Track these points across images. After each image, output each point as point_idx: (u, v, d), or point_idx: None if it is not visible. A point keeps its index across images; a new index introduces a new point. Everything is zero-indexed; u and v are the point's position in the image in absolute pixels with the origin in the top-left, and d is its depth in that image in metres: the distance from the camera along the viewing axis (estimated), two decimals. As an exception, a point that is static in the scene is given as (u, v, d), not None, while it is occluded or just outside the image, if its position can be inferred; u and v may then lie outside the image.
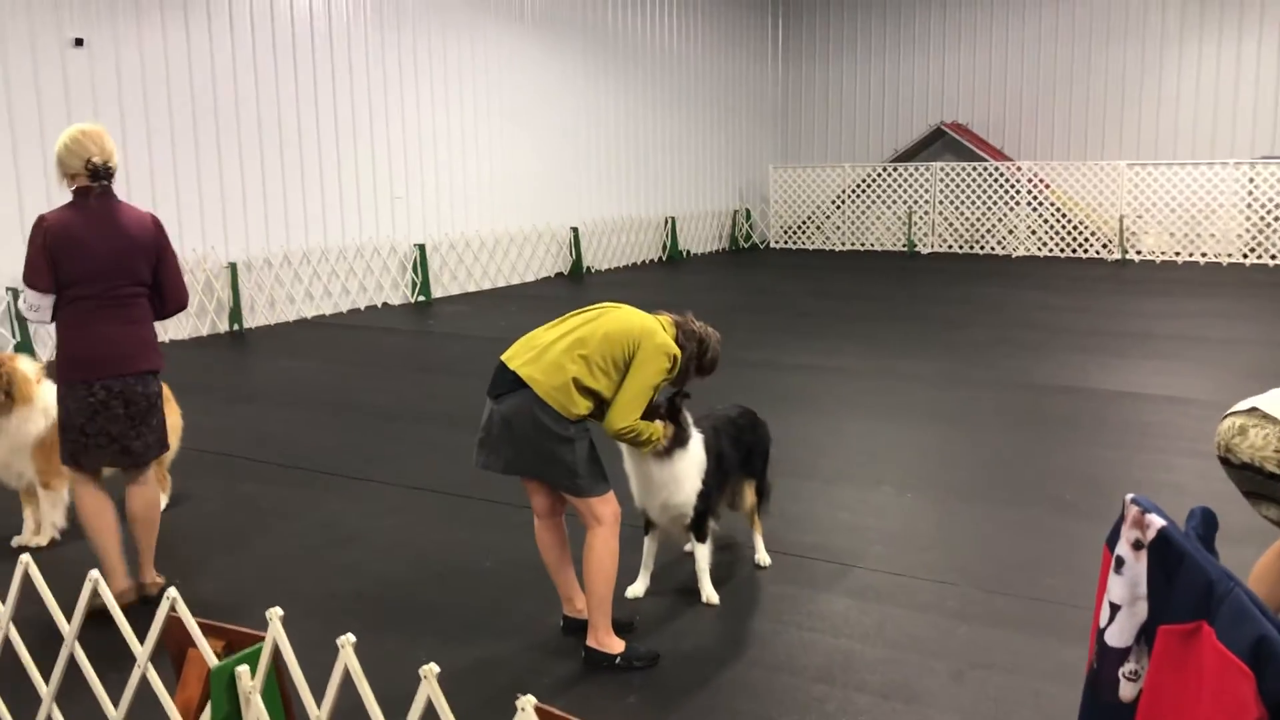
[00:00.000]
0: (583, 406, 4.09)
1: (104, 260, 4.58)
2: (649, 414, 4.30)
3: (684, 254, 19.48)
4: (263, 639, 2.94)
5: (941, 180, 19.25)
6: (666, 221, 19.12)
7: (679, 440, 4.44)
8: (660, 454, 4.41)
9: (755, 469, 5.06)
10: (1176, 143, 18.48)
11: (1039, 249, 18.57)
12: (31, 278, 4.56)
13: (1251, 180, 16.77)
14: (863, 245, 20.14)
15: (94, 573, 2.89)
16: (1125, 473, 6.58)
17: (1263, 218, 16.71)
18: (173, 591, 2.71)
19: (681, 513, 4.61)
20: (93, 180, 4.60)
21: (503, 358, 4.27)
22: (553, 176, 16.76)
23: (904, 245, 19.65)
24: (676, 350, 4.19)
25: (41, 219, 4.57)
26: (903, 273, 16.94)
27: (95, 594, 2.85)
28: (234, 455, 7.21)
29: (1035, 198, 18.50)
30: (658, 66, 18.78)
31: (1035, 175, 18.48)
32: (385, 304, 14.24)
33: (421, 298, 14.58)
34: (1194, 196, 17.12)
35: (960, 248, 19.29)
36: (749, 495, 5.08)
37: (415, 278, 14.53)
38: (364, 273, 13.92)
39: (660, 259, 19.08)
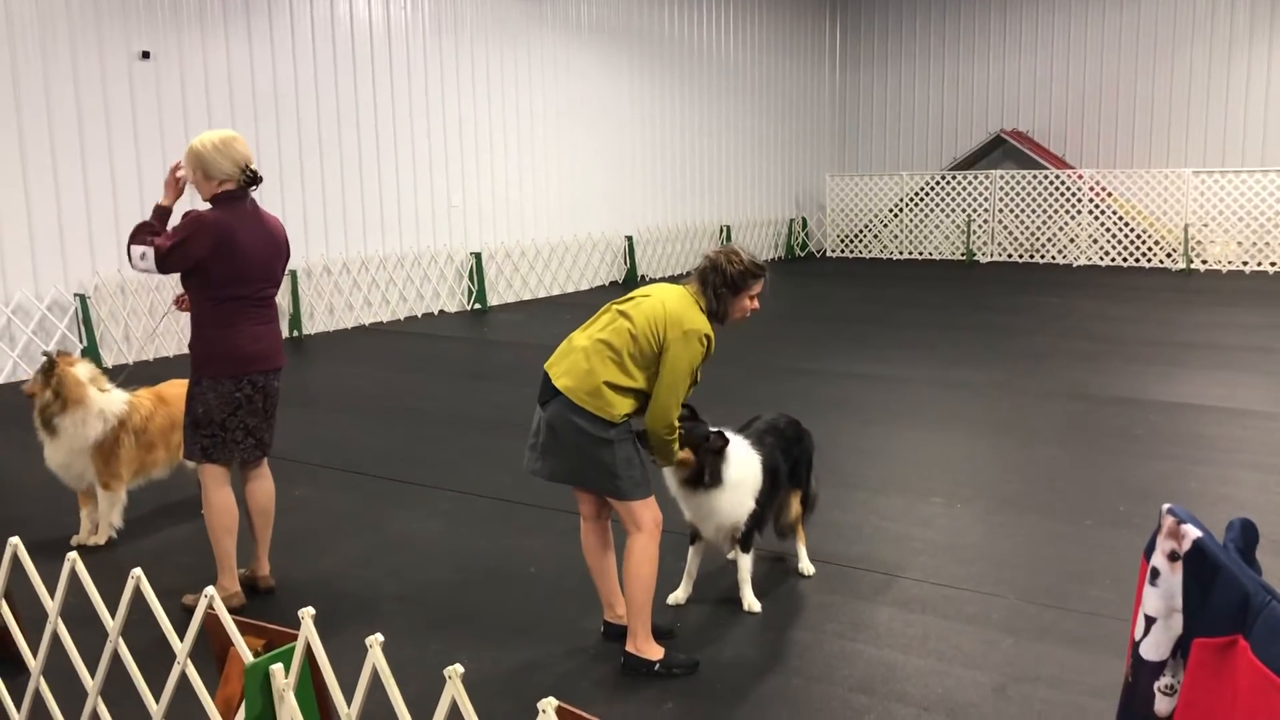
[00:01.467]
0: (622, 406, 4.10)
1: (258, 264, 4.74)
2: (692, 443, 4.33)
3: (739, 262, 19.41)
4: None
5: (1001, 188, 19.01)
6: (722, 230, 19.10)
7: (705, 480, 4.43)
8: (696, 488, 4.42)
9: (801, 479, 5.03)
10: (1244, 149, 18.07)
11: (1100, 258, 18.25)
12: (170, 258, 4.58)
13: (1323, 188, 16.33)
14: (920, 254, 19.95)
15: (210, 589, 2.89)
16: (1181, 485, 6.44)
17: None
18: (210, 590, 2.76)
19: (734, 530, 4.63)
20: (248, 185, 4.75)
21: (546, 365, 4.30)
22: (608, 185, 16.83)
23: (962, 254, 19.42)
24: (706, 328, 4.14)
25: (202, 216, 4.62)
26: (960, 282, 16.75)
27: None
28: (288, 459, 7.33)
29: (1097, 206, 18.19)
30: (713, 73, 18.78)
31: (1097, 183, 18.17)
32: (441, 311, 14.40)
33: (477, 305, 14.71)
34: (1262, 204, 16.71)
35: (1020, 257, 19.02)
36: (794, 506, 5.05)
37: (471, 285, 14.67)
38: (421, 280, 14.09)
39: (715, 267, 19.03)
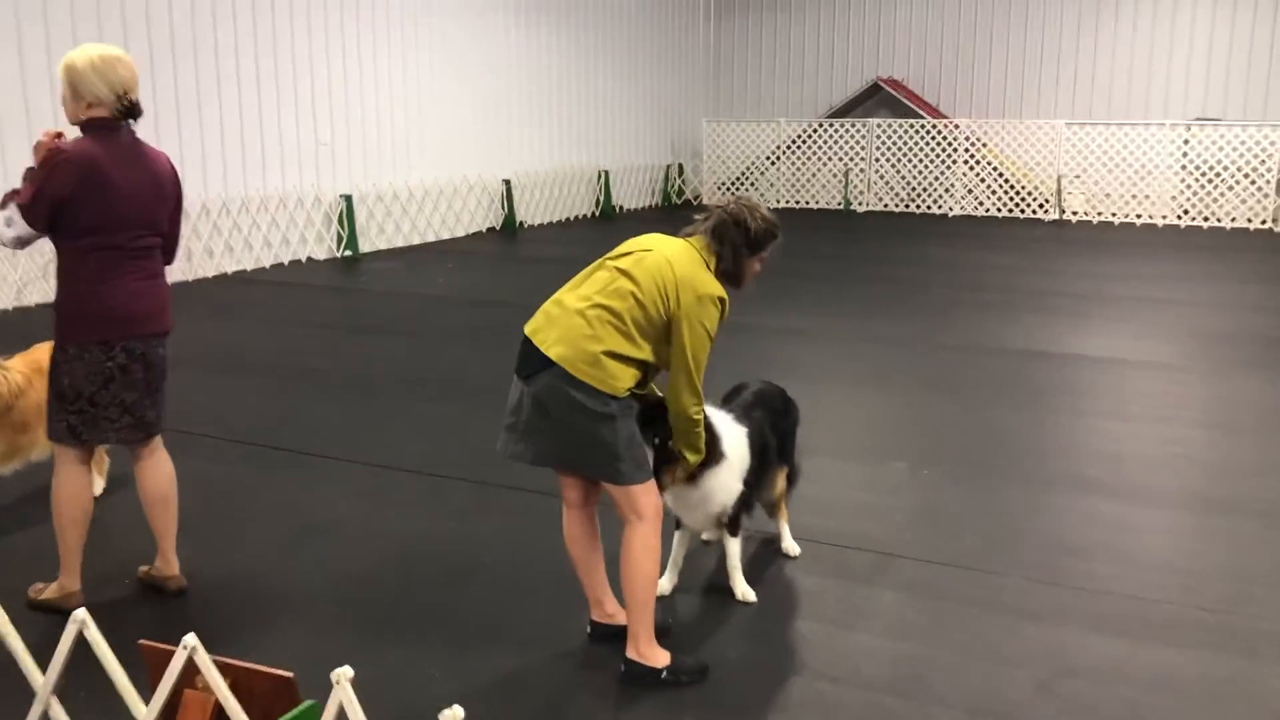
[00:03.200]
0: (626, 378, 3.53)
1: (136, 207, 3.96)
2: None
3: (617, 209, 18.86)
4: (283, 679, 2.39)
5: (878, 137, 18.93)
6: (600, 175, 18.46)
7: (707, 461, 3.91)
8: (687, 480, 3.90)
9: (787, 454, 4.57)
10: (1111, 103, 18.43)
11: (975, 208, 18.42)
12: (35, 207, 3.81)
13: (1186, 142, 16.79)
14: (798, 203, 19.76)
15: (80, 613, 2.25)
16: (1138, 446, 6.27)
17: (1196, 180, 16.76)
18: (191, 639, 2.10)
19: (721, 515, 4.13)
20: (125, 116, 3.94)
21: (527, 330, 3.68)
22: (484, 127, 15.96)
23: (840, 203, 19.32)
24: (721, 291, 3.60)
25: (63, 149, 3.82)
26: (843, 231, 16.59)
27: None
28: (172, 428, 6.47)
29: (972, 156, 18.31)
30: (590, 15, 18.01)
31: (972, 133, 18.28)
32: (310, 258, 13.36)
33: (349, 252, 13.73)
34: (1130, 157, 17.10)
35: (896, 206, 19.04)
36: (779, 482, 4.59)
37: (341, 231, 13.67)
38: (287, 225, 13.01)
39: (593, 214, 18.43)
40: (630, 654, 3.68)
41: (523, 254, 14.77)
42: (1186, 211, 16.95)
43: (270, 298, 11.14)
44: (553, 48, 17.24)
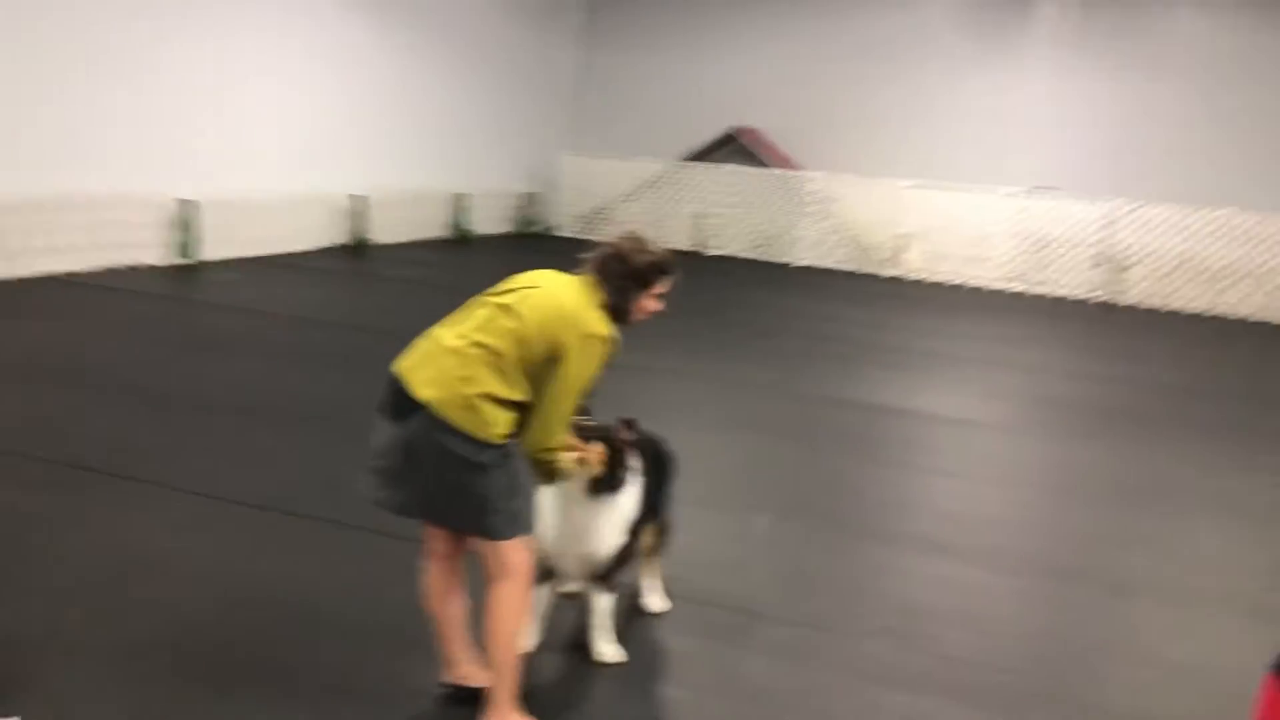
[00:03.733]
0: (502, 424, 3.34)
1: None
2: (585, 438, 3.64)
3: (471, 234, 18.53)
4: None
5: (730, 184, 19.23)
6: (455, 198, 18.11)
7: (614, 482, 3.76)
8: (592, 492, 3.72)
9: (661, 506, 4.43)
10: (954, 167, 19.16)
11: (819, 259, 18.87)
12: None
13: (1023, 209, 17.64)
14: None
15: None
16: (980, 507, 6.41)
17: (1029, 247, 17.60)
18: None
19: (598, 564, 3.94)
20: None
21: (397, 368, 3.45)
22: (339, 138, 15.44)
23: (694, 245, 19.50)
24: (608, 330, 3.43)
25: None
26: (695, 273, 16.72)
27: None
28: (-23, 445, 5.90)
29: (820, 209, 18.77)
30: (454, 35, 17.71)
31: (821, 187, 18.75)
32: (143, 264, 12.56)
33: (185, 259, 12.98)
34: (968, 221, 17.84)
35: (745, 252, 19.32)
36: (650, 534, 4.45)
37: (179, 237, 12.92)
38: (120, 227, 12.21)
39: (447, 237, 18.05)
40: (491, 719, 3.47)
41: (374, 273, 14.30)
42: (1019, 276, 17.77)
43: (95, 304, 10.40)
44: (415, 64, 16.86)
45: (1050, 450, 7.92)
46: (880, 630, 4.57)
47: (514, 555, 3.43)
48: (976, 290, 17.46)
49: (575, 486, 3.73)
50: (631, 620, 4.46)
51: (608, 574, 4.00)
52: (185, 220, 12.87)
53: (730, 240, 19.37)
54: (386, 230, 16.52)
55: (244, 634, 4.09)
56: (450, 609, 3.65)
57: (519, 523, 3.45)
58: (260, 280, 12.53)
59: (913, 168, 19.24)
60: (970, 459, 7.53)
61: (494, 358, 3.33)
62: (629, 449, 3.86)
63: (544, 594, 4.10)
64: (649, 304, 3.58)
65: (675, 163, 19.82)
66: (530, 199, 20.32)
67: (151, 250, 12.67)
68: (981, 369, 10.80)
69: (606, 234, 3.64)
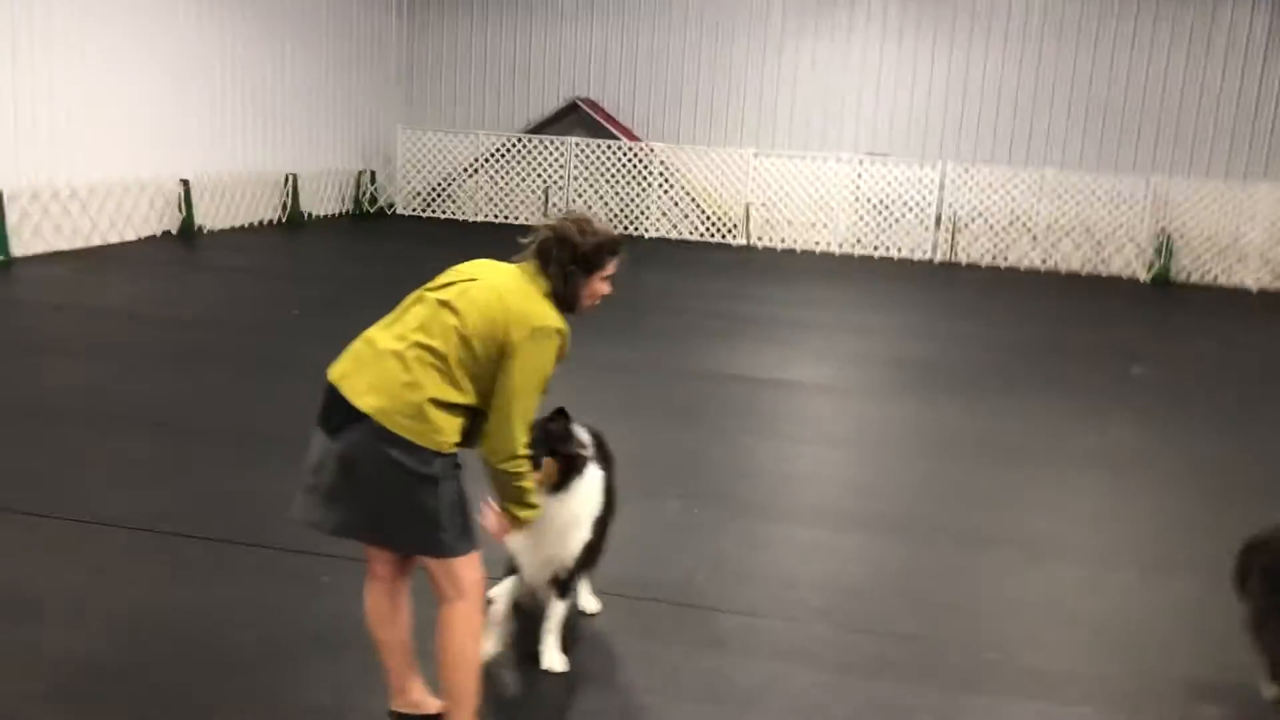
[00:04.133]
0: (452, 431, 3.08)
1: None
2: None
3: (305, 216, 17.69)
4: None
5: (576, 156, 18.96)
6: (287, 179, 17.23)
7: (574, 468, 3.54)
8: (554, 488, 3.50)
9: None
10: (793, 135, 19.42)
11: (670, 231, 18.85)
12: None
13: (859, 175, 18.03)
14: (499, 217, 19.41)
15: None
16: (880, 476, 6.47)
17: (868, 211, 18.03)
18: None
19: (563, 567, 3.72)
20: None
21: (332, 377, 3.14)
22: (160, 119, 14.42)
23: (539, 220, 19.14)
24: (559, 323, 3.19)
25: None
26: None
27: None
28: None
29: (667, 180, 18.73)
30: (276, 5, 16.79)
31: (666, 158, 18.69)
32: (-53, 262, 11.45)
33: (-2, 256, 11.89)
34: (810, 187, 18.12)
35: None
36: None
37: (-12, 231, 11.81)
38: (-82, 222, 11.08)
39: (280, 220, 17.17)
40: (450, 751, 3.21)
41: (206, 263, 13.46)
42: (860, 241, 18.18)
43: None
44: (241, 42, 15.90)
45: (920, 412, 8.01)
46: (817, 613, 4.50)
47: (467, 573, 3.18)
48: (821, 255, 17.76)
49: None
50: (567, 621, 4.24)
51: (570, 576, 3.80)
52: (-5, 212, 11.78)
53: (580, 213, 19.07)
54: (216, 216, 15.59)
55: (145, 671, 3.68)
56: (396, 634, 3.36)
57: (471, 537, 3.19)
58: (84, 275, 11.61)
59: (752, 137, 19.41)
60: (848, 426, 7.60)
61: (438, 360, 3.06)
62: (578, 442, 3.66)
63: (508, 589, 3.85)
64: (599, 288, 3.36)
65: (516, 135, 19.40)
66: (366, 177, 19.55)
67: (-43, 246, 11.55)
68: (839, 335, 10.94)
69: (547, 217, 3.39)
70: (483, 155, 19.27)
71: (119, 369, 7.79)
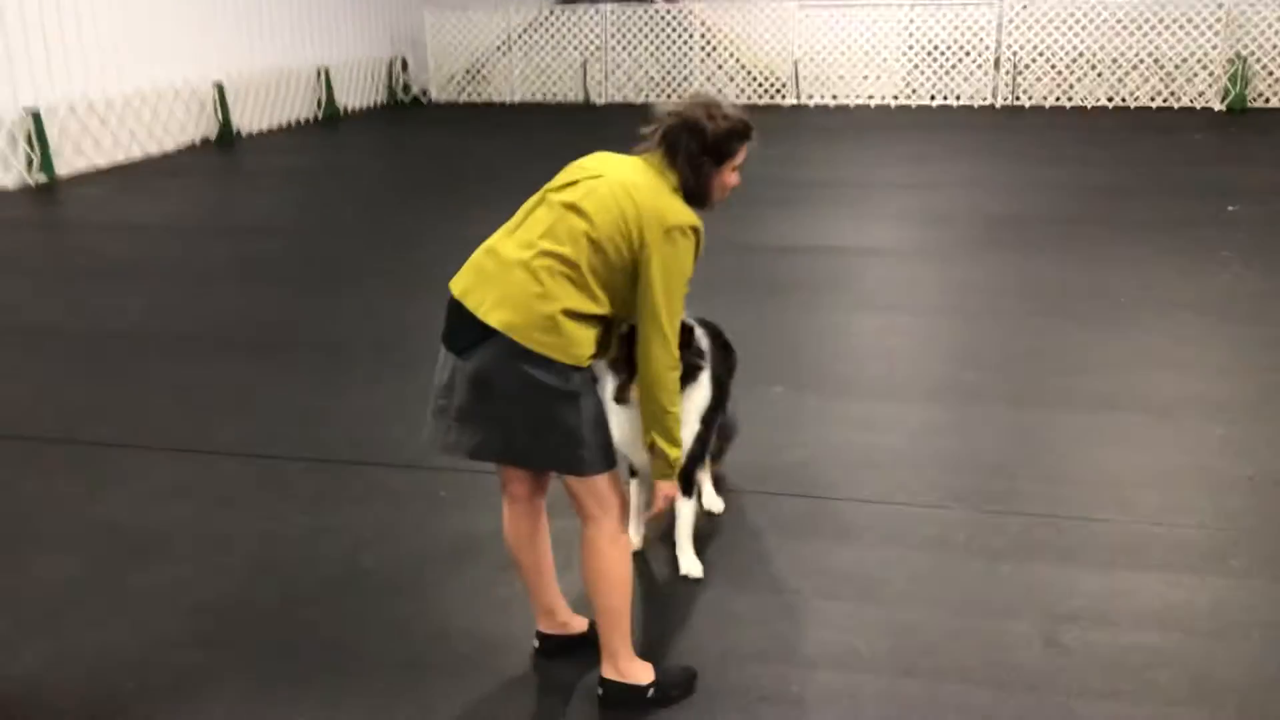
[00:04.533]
0: (588, 343, 2.85)
1: None
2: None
3: (342, 110, 17.28)
4: None
5: (612, 24, 18.24)
6: (319, 73, 16.78)
7: (690, 370, 3.34)
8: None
9: (725, 397, 3.99)
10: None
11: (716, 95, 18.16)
12: None
13: (911, 21, 17.20)
14: (535, 96, 18.84)
15: None
16: (974, 341, 6.18)
17: (922, 59, 17.25)
18: None
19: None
20: None
21: (455, 292, 2.91)
22: (187, 23, 13.97)
23: (580, 96, 18.57)
24: (694, 219, 2.91)
25: None
26: (585, 126, 15.91)
27: None
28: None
29: (708, 43, 18.01)
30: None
31: (707, 19, 17.94)
32: (-7, 188, 11.29)
33: (42, 177, 11.69)
34: (859, 39, 17.34)
35: (637, 97, 18.50)
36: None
37: (31, 152, 11.59)
38: (-39, 149, 10.88)
39: (316, 118, 16.78)
40: (608, 673, 3.07)
41: (250, 168, 13.21)
42: (916, 91, 17.45)
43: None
44: (255, -70, 15.31)
45: (1016, 269, 7.62)
46: (951, 495, 4.29)
47: (608, 490, 2.98)
48: (881, 109, 17.08)
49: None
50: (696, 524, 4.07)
51: (688, 472, 3.61)
52: (36, 134, 11.54)
53: (620, 86, 18.49)
54: (251, 118, 15.26)
55: (290, 611, 3.57)
56: (538, 554, 3.20)
57: (611, 454, 2.99)
58: (130, 191, 11.41)
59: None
60: (941, 290, 7.28)
61: (567, 267, 2.80)
62: (697, 349, 3.43)
63: (636, 487, 3.76)
64: (729, 179, 3.05)
65: (548, 6, 18.67)
66: (398, 65, 19.00)
67: (3, 173, 11.36)
68: (910, 193, 10.48)
69: (670, 102, 3.06)
70: (514, 31, 18.60)
71: (183, 288, 7.62)
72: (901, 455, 4.70)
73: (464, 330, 2.85)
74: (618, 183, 2.90)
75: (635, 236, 2.83)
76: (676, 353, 2.93)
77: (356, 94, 17.95)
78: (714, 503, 4.19)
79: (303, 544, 4.01)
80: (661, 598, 3.63)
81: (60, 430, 5.12)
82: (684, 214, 2.90)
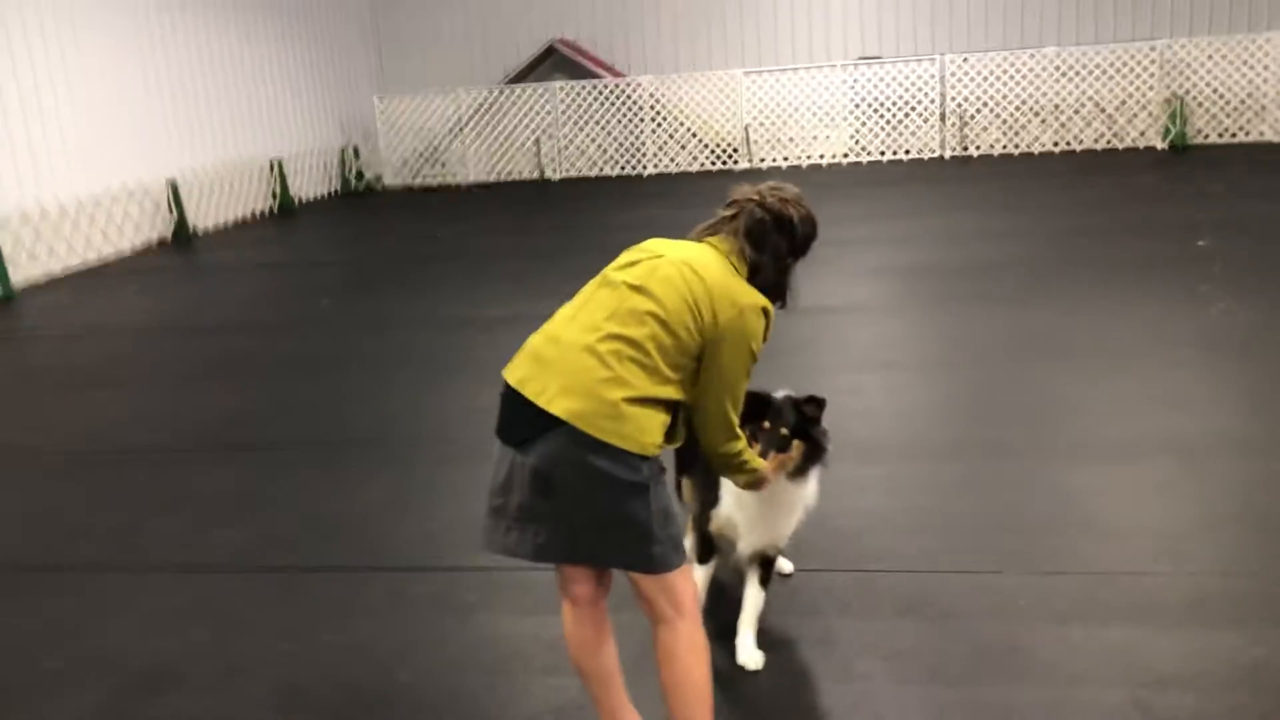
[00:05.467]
0: (657, 430, 2.70)
1: None
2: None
3: (296, 201, 17.11)
4: None
5: (562, 101, 18.33)
6: (273, 165, 16.62)
7: (817, 457, 3.29)
8: (794, 474, 3.26)
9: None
10: (780, 49, 18.83)
11: (669, 165, 18.29)
12: None
13: (855, 81, 17.46)
14: (490, 176, 18.81)
15: None
16: (1021, 393, 6.10)
17: (869, 116, 17.49)
18: None
19: (774, 546, 3.49)
20: None
21: (511, 380, 2.74)
22: (137, 122, 13.79)
23: (535, 173, 18.57)
24: (764, 300, 2.81)
25: None
26: (540, 203, 15.85)
27: None
28: None
29: (658, 113, 18.14)
30: (234, -14, 16.09)
31: (655, 90, 18.08)
32: (-56, 303, 10.92)
33: (-3, 290, 11.36)
34: (807, 100, 17.56)
35: (591, 171, 18.55)
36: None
37: (-17, 264, 11.26)
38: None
39: (271, 210, 16.59)
40: (693, 790, 2.85)
41: (209, 264, 12.96)
42: (865, 148, 17.66)
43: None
44: (203, 28, 15.21)
45: (991, 319, 7.58)
46: (1005, 560, 4.14)
47: (685, 587, 2.81)
48: (832, 167, 17.24)
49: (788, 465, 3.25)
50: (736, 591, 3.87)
51: (770, 562, 3.54)
52: (-13, 243, 11.23)
53: (573, 161, 18.52)
54: (206, 214, 15.05)
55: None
56: (605, 660, 2.99)
57: (681, 548, 2.81)
58: (91, 296, 11.11)
59: (739, 57, 18.83)
60: (917, 346, 7.22)
61: (637, 350, 2.66)
62: (824, 432, 3.31)
63: (704, 574, 3.62)
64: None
65: (497, 87, 18.73)
66: (350, 152, 18.90)
67: (-45, 285, 11.02)
68: (870, 249, 10.34)
69: (744, 190, 2.94)
70: (465, 113, 18.63)
71: (160, 393, 7.35)
72: (941, 518, 4.55)
73: (522, 421, 2.68)
74: (682, 261, 2.78)
75: (707, 315, 2.70)
76: (737, 430, 2.85)
77: (310, 184, 17.82)
78: (784, 564, 4.06)
79: (332, 664, 3.75)
80: (726, 694, 3.42)
81: (47, 556, 4.82)
82: (754, 294, 2.80)
